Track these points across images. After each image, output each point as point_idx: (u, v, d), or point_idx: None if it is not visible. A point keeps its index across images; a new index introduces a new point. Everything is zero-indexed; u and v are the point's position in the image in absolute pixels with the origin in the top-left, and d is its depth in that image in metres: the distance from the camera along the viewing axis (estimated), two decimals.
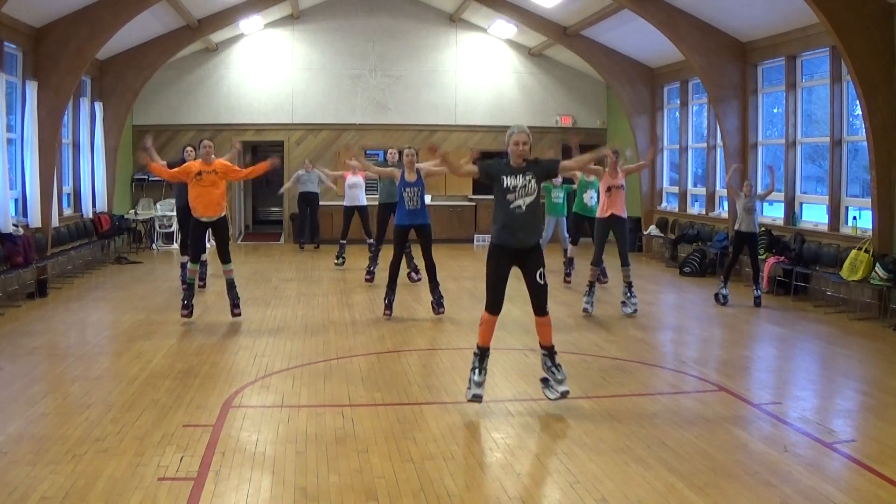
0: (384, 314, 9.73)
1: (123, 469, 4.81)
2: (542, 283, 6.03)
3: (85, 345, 8.39)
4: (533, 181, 6.01)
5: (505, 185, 5.97)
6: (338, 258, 14.26)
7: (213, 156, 9.19)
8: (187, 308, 9.21)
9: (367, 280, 12.40)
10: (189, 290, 9.31)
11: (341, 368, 7.37)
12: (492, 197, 6.14)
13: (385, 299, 9.77)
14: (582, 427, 5.72)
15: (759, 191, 11.47)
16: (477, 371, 6.10)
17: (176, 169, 9.44)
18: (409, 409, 6.13)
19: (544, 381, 6.27)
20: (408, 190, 9.63)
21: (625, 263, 10.03)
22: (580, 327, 9.31)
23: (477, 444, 5.42)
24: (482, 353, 6.15)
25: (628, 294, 10.03)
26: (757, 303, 10.80)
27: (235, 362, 7.58)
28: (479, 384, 6.06)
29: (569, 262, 12.59)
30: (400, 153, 11.67)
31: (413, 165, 9.70)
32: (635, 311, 9.98)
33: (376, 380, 6.99)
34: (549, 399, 6.17)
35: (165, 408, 6.05)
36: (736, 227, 10.96)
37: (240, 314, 9.33)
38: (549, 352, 6.21)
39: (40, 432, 5.45)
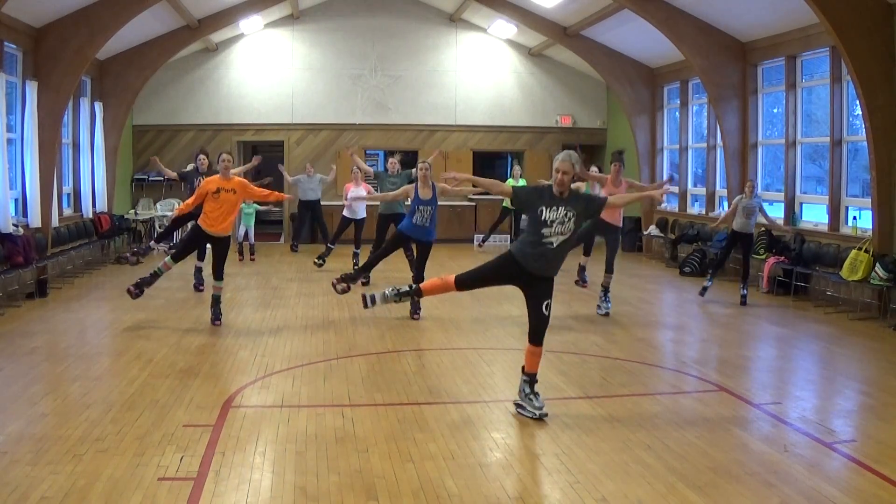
0: (412, 317, 9.63)
1: (123, 469, 4.81)
2: (546, 314, 5.87)
3: (85, 345, 8.39)
4: (572, 220, 5.76)
5: (543, 218, 5.73)
6: (319, 259, 13.75)
7: (231, 171, 9.06)
8: (137, 287, 9.07)
9: (363, 283, 12.26)
10: (153, 278, 9.12)
11: (341, 368, 7.37)
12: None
13: (410, 304, 9.65)
14: (582, 427, 5.71)
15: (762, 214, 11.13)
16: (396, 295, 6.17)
17: (196, 196, 9.15)
18: (409, 409, 6.13)
19: (519, 406, 6.02)
20: (421, 208, 9.42)
21: (609, 270, 10.12)
22: (580, 327, 9.31)
23: (477, 444, 5.41)
24: (414, 291, 6.21)
25: (603, 298, 10.14)
26: (742, 301, 10.85)
27: (235, 362, 7.58)
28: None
29: (581, 270, 12.51)
30: (403, 164, 11.70)
31: (428, 180, 9.46)
32: (607, 313, 10.04)
33: (376, 380, 6.98)
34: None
35: (165, 408, 6.04)
36: (733, 226, 11.02)
37: (220, 324, 9.14)
38: (530, 378, 5.98)
39: (40, 432, 5.44)
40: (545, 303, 5.86)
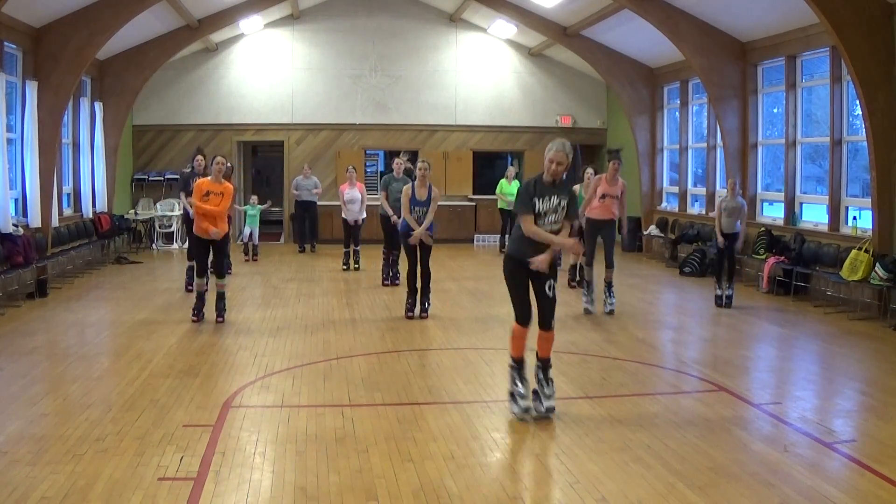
0: (406, 316, 9.68)
1: (123, 469, 4.81)
2: (550, 295, 5.87)
3: (85, 345, 8.39)
4: (563, 207, 5.81)
5: (536, 210, 5.73)
6: (344, 264, 14.01)
7: (222, 177, 9.13)
8: (197, 316, 9.25)
9: (384, 284, 12.22)
10: (199, 300, 9.28)
11: (341, 368, 7.37)
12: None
13: (406, 302, 9.73)
14: (582, 427, 5.71)
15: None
16: (519, 383, 5.89)
17: (196, 198, 9.14)
18: (409, 409, 6.13)
19: (534, 393, 6.02)
20: (416, 209, 9.50)
21: (609, 265, 10.09)
22: (580, 327, 9.31)
23: (477, 444, 5.41)
24: (519, 365, 5.96)
25: (607, 294, 10.08)
26: (724, 303, 10.65)
27: (235, 362, 7.58)
28: (525, 396, 5.85)
29: (573, 269, 12.50)
30: (411, 165, 11.65)
31: (426, 180, 9.51)
32: (612, 311, 10.01)
33: (376, 380, 6.98)
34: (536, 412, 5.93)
35: (165, 408, 6.04)
36: (721, 227, 10.89)
37: (223, 321, 9.25)
38: (543, 364, 5.98)
39: (40, 432, 5.44)
40: (548, 283, 5.86)
